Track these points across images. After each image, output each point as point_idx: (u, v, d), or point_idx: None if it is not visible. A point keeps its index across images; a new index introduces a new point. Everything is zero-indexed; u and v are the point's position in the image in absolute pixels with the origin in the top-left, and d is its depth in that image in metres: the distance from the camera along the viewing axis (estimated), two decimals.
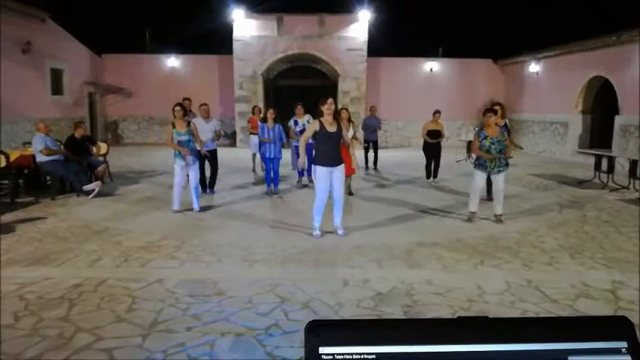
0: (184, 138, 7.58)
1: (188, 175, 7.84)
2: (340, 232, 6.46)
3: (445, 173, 11.68)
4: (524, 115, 18.91)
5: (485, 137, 7.00)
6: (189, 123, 7.75)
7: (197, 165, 7.87)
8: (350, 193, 9.04)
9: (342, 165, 6.31)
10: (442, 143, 10.87)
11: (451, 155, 14.02)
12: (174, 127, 7.60)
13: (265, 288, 4.58)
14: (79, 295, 4.40)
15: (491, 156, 6.96)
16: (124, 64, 20.11)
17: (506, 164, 7.14)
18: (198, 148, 7.85)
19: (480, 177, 7.19)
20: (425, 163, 11.02)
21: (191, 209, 7.85)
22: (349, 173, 7.62)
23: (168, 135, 7.70)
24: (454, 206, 8.39)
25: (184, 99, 9.68)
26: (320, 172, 6.20)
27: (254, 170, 12.11)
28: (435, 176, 10.94)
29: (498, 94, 20.32)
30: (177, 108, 7.67)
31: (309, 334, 0.63)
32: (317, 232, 6.41)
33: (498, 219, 7.26)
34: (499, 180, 7.09)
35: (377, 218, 7.50)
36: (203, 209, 7.95)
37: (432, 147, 10.78)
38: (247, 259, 5.51)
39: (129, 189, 9.95)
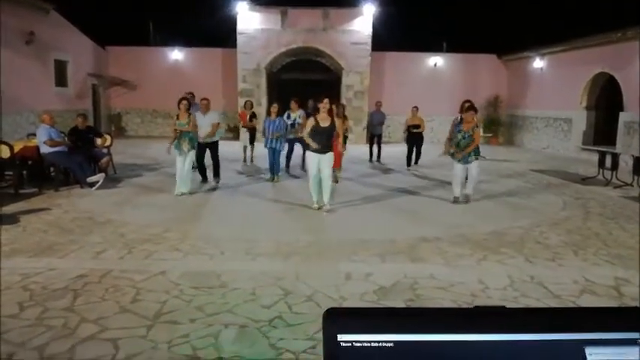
0: (185, 127, 8.36)
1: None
2: (326, 207, 7.48)
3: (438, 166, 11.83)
4: (528, 111, 18.86)
5: (460, 130, 7.95)
6: (189, 115, 8.47)
7: (192, 153, 8.55)
8: (335, 181, 9.46)
9: (329, 153, 7.29)
10: (424, 135, 12.36)
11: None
12: (177, 118, 8.44)
13: (268, 281, 4.60)
14: (83, 285, 4.42)
15: (459, 153, 7.99)
16: (128, 56, 20.09)
17: (476, 157, 8.05)
18: (199, 137, 8.73)
19: (459, 168, 8.12)
20: (407, 152, 12.31)
21: (191, 193, 8.61)
22: (336, 165, 8.64)
23: (172, 125, 8.65)
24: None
25: (187, 93, 9.96)
26: (310, 157, 7.35)
27: (245, 161, 12.76)
28: (417, 163, 12.34)
29: (502, 89, 20.27)
30: (184, 102, 8.48)
31: (327, 321, 0.63)
32: (315, 205, 7.58)
33: (467, 199, 8.26)
34: (472, 168, 8.09)
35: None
36: (206, 196, 8.51)
37: (414, 138, 12.16)
38: (250, 251, 5.52)
39: (132, 181, 9.97)
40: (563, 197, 9.01)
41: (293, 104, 10.66)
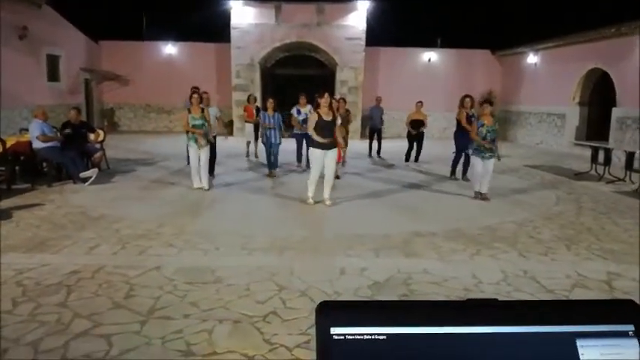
0: (199, 122, 8.21)
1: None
2: (328, 202, 7.58)
3: (436, 161, 11.87)
4: (522, 106, 18.91)
5: (483, 125, 7.82)
6: (203, 109, 8.34)
7: (208, 147, 8.43)
8: (337, 177, 9.37)
9: (335, 149, 7.38)
10: (425, 131, 12.26)
11: (448, 146, 14.00)
12: (189, 112, 8.23)
13: (263, 276, 4.60)
14: (76, 281, 4.40)
15: (487, 142, 7.86)
16: (121, 50, 19.97)
17: (495, 151, 8.01)
18: (210, 133, 8.55)
19: (479, 163, 7.99)
20: (407, 147, 12.35)
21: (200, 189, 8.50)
22: (338, 160, 8.59)
23: (184, 120, 8.36)
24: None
25: (194, 87, 9.87)
26: (315, 153, 7.39)
27: (247, 156, 12.56)
28: (417, 160, 12.28)
29: (496, 85, 20.31)
30: (195, 96, 8.38)
31: (320, 314, 0.63)
32: (310, 201, 7.62)
33: (484, 197, 8.11)
34: (490, 163, 7.95)
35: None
36: (203, 192, 8.37)
37: (416, 134, 12.11)
38: (245, 247, 5.52)
39: (126, 176, 9.93)
40: (556, 192, 9.05)
41: (302, 100, 10.51)
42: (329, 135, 7.27)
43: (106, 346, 3.28)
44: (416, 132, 12.02)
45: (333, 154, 7.38)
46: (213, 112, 9.39)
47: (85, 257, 5.10)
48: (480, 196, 8.14)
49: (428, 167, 11.80)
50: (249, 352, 3.24)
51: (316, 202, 7.63)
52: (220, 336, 3.47)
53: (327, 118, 7.27)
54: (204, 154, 8.35)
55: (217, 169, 9.90)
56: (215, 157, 9.69)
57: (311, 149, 7.53)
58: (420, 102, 12.28)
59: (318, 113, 7.28)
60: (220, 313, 3.81)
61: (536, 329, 0.65)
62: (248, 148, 12.60)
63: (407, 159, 12.35)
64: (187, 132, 8.34)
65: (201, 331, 3.52)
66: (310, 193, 7.64)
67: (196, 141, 8.21)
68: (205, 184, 8.50)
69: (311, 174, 7.63)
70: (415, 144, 12.24)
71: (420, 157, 12.43)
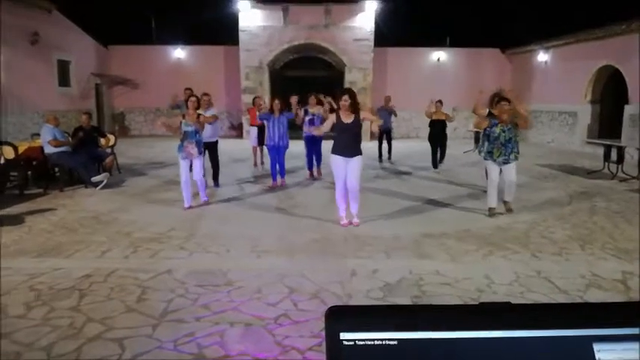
0: (190, 129, 7.25)
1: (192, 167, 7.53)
2: (355, 220, 6.54)
3: (452, 164, 11.76)
4: (533, 104, 18.73)
5: (497, 124, 6.91)
6: (199, 116, 7.41)
7: (201, 157, 7.49)
8: None
9: (358, 157, 6.32)
10: (448, 123, 11.34)
11: (459, 146, 13.96)
12: (183, 117, 7.33)
13: (274, 278, 4.59)
14: (89, 285, 4.43)
15: (498, 150, 6.92)
16: (131, 55, 20.11)
17: (516, 156, 6.98)
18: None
19: (493, 169, 7.05)
20: (431, 152, 11.47)
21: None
22: None
23: (176, 122, 7.41)
24: (464, 199, 8.39)
25: (186, 89, 9.58)
26: (335, 161, 6.36)
27: (255, 164, 11.84)
28: (441, 162, 11.49)
29: (506, 83, 20.13)
30: (193, 99, 7.40)
31: (330, 319, 0.62)
32: (343, 222, 6.53)
33: (508, 208, 7.19)
34: (510, 169, 6.97)
35: (389, 210, 7.49)
36: (209, 202, 7.91)
37: (438, 136, 11.29)
38: (255, 249, 5.53)
39: (136, 180, 9.98)
40: (569, 191, 8.96)
41: (312, 100, 9.93)
42: (352, 140, 6.30)
43: (118, 350, 3.29)
44: (437, 129, 11.20)
45: (355, 163, 6.31)
46: (210, 113, 8.48)
47: (97, 261, 5.12)
48: (504, 205, 7.19)
49: (449, 174, 11.17)
50: (260, 355, 3.24)
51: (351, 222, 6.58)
52: (232, 339, 3.47)
53: (347, 120, 6.25)
54: (198, 164, 7.43)
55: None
56: (218, 165, 9.11)
57: (331, 157, 6.43)
58: (440, 101, 11.35)
59: (337, 114, 6.35)
60: (232, 316, 3.81)
61: (552, 333, 0.63)
62: (255, 155, 11.85)
63: (435, 164, 11.41)
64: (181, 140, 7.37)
65: (213, 333, 3.53)
66: (341, 213, 6.58)
67: (184, 150, 7.24)
68: (203, 198, 7.70)
69: (336, 188, 6.54)
70: (439, 146, 11.40)
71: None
